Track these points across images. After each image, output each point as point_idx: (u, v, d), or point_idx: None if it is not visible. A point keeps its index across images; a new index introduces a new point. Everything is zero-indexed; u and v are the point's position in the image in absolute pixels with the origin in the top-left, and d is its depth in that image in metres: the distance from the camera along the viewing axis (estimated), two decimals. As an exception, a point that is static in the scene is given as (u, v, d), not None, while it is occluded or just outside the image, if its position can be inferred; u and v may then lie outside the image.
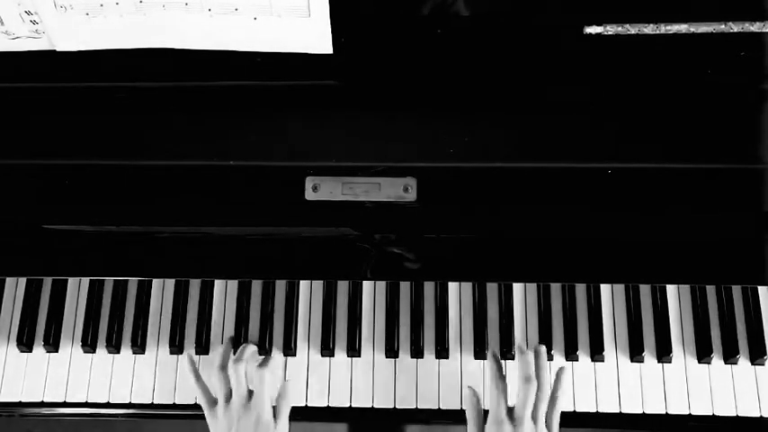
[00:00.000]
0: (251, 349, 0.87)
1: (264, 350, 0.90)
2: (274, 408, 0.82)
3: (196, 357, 0.90)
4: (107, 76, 0.75)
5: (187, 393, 0.90)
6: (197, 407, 0.88)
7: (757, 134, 0.73)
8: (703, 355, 0.87)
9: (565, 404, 0.84)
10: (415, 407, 0.88)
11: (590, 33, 0.70)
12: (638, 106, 0.75)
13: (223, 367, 0.84)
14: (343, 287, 0.92)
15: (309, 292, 0.92)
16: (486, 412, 0.81)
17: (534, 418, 0.78)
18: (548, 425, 0.79)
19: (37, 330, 0.92)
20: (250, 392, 0.82)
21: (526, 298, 0.91)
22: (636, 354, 0.87)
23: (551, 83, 0.75)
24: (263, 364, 0.83)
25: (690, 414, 0.86)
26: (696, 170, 0.74)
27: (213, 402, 0.84)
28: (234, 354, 0.86)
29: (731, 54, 0.72)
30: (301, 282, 0.92)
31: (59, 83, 0.76)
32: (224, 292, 0.93)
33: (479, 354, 0.89)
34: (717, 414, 0.86)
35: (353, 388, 0.89)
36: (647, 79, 0.74)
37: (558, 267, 0.80)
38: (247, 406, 0.80)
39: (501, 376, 0.81)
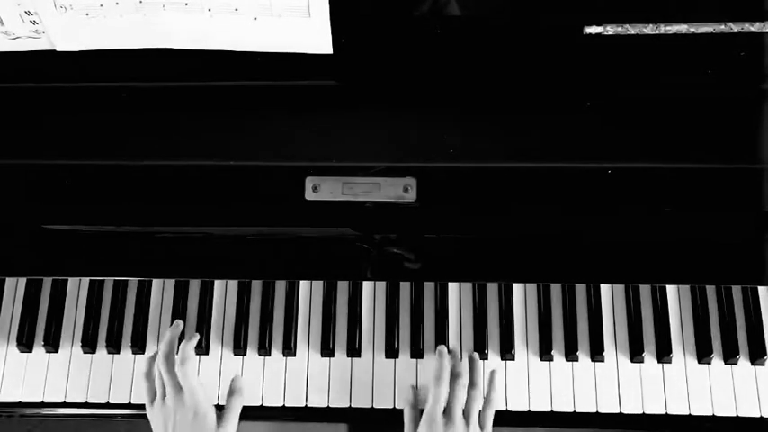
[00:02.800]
0: (192, 344, 0.85)
1: (264, 350, 0.90)
2: (222, 406, 0.83)
3: (196, 357, 0.90)
4: (107, 76, 0.75)
5: (187, 393, 0.90)
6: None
7: (757, 134, 0.73)
8: (703, 355, 0.87)
9: (498, 404, 0.86)
10: (415, 407, 0.88)
11: (590, 33, 0.70)
12: (638, 106, 0.75)
13: (164, 362, 0.82)
14: (343, 287, 0.92)
15: (309, 292, 0.92)
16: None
17: (467, 416, 0.80)
18: (481, 424, 0.81)
19: (37, 330, 0.92)
20: (182, 391, 0.80)
21: (526, 298, 0.91)
22: (636, 354, 0.87)
23: (551, 83, 0.75)
24: (184, 359, 0.81)
25: (690, 414, 0.86)
26: (696, 170, 0.74)
27: (154, 397, 0.83)
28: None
29: (731, 54, 0.72)
30: (301, 282, 0.92)
31: (59, 83, 0.76)
32: (224, 292, 0.93)
33: (480, 354, 0.89)
34: (717, 414, 0.86)
35: (353, 388, 0.89)
36: (647, 79, 0.74)
37: (558, 267, 0.80)
38: (181, 400, 0.79)
39: (443, 375, 0.81)
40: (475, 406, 0.81)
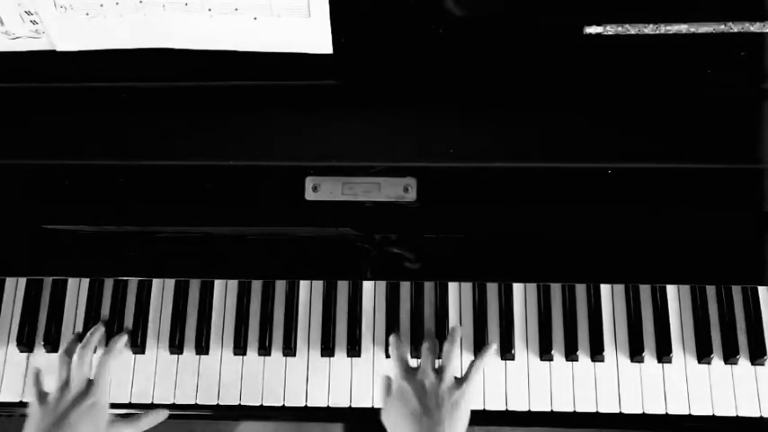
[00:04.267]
0: (99, 333, 0.86)
1: (264, 350, 0.90)
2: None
3: (196, 357, 0.90)
4: (107, 76, 0.75)
5: (186, 394, 0.90)
6: (197, 407, 0.88)
7: (757, 134, 0.73)
8: (703, 355, 0.87)
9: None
10: (415, 407, 0.88)
11: (590, 33, 0.70)
12: (638, 106, 0.75)
13: (68, 353, 0.82)
14: (343, 287, 0.92)
15: (309, 292, 0.92)
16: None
17: (440, 368, 0.79)
18: (460, 378, 0.80)
19: (37, 330, 0.92)
20: (89, 381, 0.80)
21: (526, 298, 0.91)
22: (636, 354, 0.87)
23: (551, 83, 0.75)
24: (108, 351, 0.81)
25: (690, 414, 0.86)
26: (696, 170, 0.74)
27: (43, 396, 0.80)
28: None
29: (731, 54, 0.72)
30: (301, 282, 0.92)
31: (59, 83, 0.76)
32: (224, 292, 0.93)
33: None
34: (717, 414, 0.86)
35: (353, 388, 0.89)
36: (647, 79, 0.74)
37: (558, 267, 0.80)
38: (84, 393, 0.78)
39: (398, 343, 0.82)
40: (448, 357, 0.80)
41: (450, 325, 0.88)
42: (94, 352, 0.85)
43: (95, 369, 0.81)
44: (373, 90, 0.76)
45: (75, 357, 0.81)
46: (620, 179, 0.75)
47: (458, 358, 0.84)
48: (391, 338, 0.85)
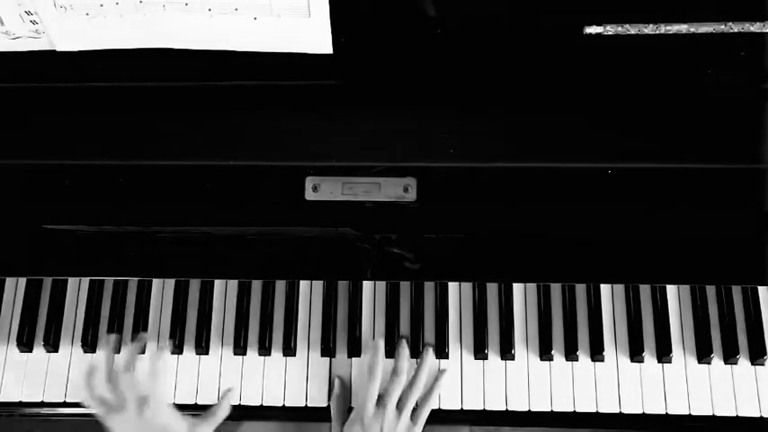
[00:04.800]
0: (138, 347, 0.86)
1: (264, 350, 0.90)
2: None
3: (196, 357, 0.90)
4: (107, 76, 0.75)
5: (187, 393, 0.90)
6: (197, 407, 0.88)
7: (757, 134, 0.73)
8: (703, 355, 0.87)
9: (434, 405, 0.87)
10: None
11: (590, 33, 0.70)
12: (638, 106, 0.75)
13: (110, 378, 0.81)
14: (343, 287, 0.92)
15: (309, 292, 0.92)
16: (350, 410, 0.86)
17: (399, 408, 0.82)
18: (414, 418, 0.83)
19: (37, 330, 0.92)
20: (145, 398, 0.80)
21: (526, 298, 0.91)
22: (636, 354, 0.87)
23: (551, 83, 0.75)
24: (152, 374, 0.81)
25: (690, 414, 0.86)
26: (696, 170, 0.74)
27: (111, 410, 0.80)
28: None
29: (731, 54, 0.72)
30: (301, 282, 0.92)
31: (59, 83, 0.76)
32: (224, 292, 0.93)
33: (479, 354, 0.89)
34: (717, 414, 0.86)
35: (353, 388, 0.89)
36: (647, 79, 0.74)
37: (558, 267, 0.80)
38: (144, 413, 0.78)
39: (376, 370, 0.83)
40: (409, 399, 0.83)
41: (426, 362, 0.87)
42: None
43: (146, 388, 0.80)
44: (373, 90, 0.76)
45: (122, 382, 0.80)
46: (620, 179, 0.75)
47: (415, 398, 0.84)
48: (378, 353, 0.85)
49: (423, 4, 0.71)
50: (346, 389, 0.88)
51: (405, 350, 0.86)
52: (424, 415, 0.84)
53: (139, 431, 0.78)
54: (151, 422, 0.79)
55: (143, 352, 0.90)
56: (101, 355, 0.86)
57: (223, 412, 0.85)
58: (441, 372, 0.88)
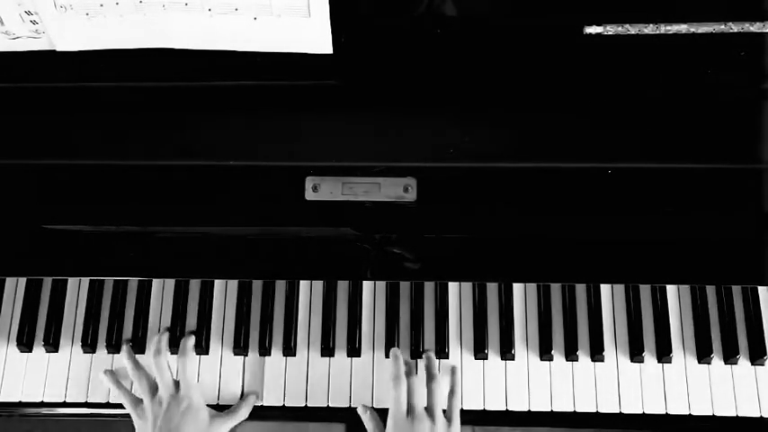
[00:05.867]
0: (167, 337, 0.88)
1: (264, 350, 0.90)
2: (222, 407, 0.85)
3: (196, 357, 0.90)
4: (107, 76, 0.75)
5: (187, 393, 0.90)
6: (197, 407, 0.88)
7: (757, 134, 0.73)
8: (703, 355, 0.87)
9: (460, 400, 0.87)
10: (415, 407, 0.88)
11: (590, 33, 0.70)
12: (638, 106, 0.75)
13: (137, 366, 0.86)
14: (343, 287, 0.92)
15: (309, 292, 0.92)
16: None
17: (430, 410, 0.82)
18: (448, 416, 0.83)
19: (37, 330, 0.92)
20: (176, 383, 0.84)
21: (526, 298, 0.91)
22: (636, 354, 0.87)
23: (551, 83, 0.75)
24: (183, 353, 0.85)
25: (690, 414, 0.86)
26: (696, 170, 0.74)
27: (138, 402, 0.85)
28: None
29: (731, 54, 0.72)
30: (301, 282, 0.92)
31: (59, 83, 0.76)
32: (224, 292, 0.93)
33: (480, 354, 0.89)
34: (717, 414, 0.86)
35: (353, 388, 0.89)
36: (647, 79, 0.74)
37: (558, 267, 0.80)
38: (176, 396, 0.82)
39: (401, 375, 0.83)
40: (437, 400, 0.83)
41: (449, 363, 0.89)
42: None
43: (178, 372, 0.84)
44: (373, 90, 0.76)
45: (153, 366, 0.85)
46: (620, 179, 0.75)
47: (442, 396, 0.84)
48: (394, 372, 0.84)
49: (422, 4, 0.71)
50: (375, 414, 0.86)
51: (400, 358, 0.85)
52: (456, 413, 0.84)
53: (170, 413, 0.81)
54: (181, 403, 0.81)
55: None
56: (123, 353, 0.89)
57: (245, 411, 0.86)
58: (453, 368, 0.88)
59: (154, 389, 0.85)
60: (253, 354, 0.90)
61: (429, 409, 0.82)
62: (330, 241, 0.79)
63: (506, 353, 0.88)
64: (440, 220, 0.77)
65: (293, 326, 0.90)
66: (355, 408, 0.87)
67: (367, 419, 0.85)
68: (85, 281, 0.94)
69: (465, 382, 0.88)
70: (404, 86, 0.76)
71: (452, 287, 0.91)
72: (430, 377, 0.85)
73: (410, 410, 0.81)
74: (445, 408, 0.84)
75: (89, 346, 0.91)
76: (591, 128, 0.75)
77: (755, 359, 0.87)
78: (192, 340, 0.89)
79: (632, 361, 0.88)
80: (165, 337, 0.88)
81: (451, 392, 0.86)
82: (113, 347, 0.90)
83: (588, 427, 0.88)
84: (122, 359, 0.89)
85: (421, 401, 0.82)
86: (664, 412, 0.86)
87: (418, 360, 0.89)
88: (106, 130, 0.77)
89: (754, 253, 0.76)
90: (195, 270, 0.84)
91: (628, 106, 0.75)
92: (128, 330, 0.92)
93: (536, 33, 0.73)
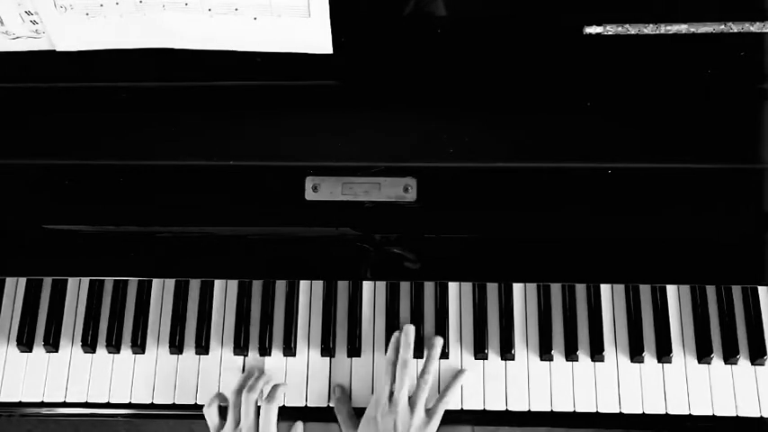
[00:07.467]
0: (264, 380, 0.87)
1: (264, 350, 0.90)
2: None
3: (196, 357, 0.90)
4: (107, 76, 0.75)
5: (186, 393, 0.90)
6: (196, 407, 0.88)
7: (757, 134, 0.73)
8: (703, 355, 0.87)
9: (453, 403, 0.87)
10: (415, 407, 0.88)
11: (590, 33, 0.70)
12: (638, 106, 0.75)
13: (239, 393, 0.84)
14: (343, 287, 0.92)
15: (309, 292, 0.92)
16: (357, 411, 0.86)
17: (412, 402, 0.82)
18: (429, 413, 0.83)
19: (37, 330, 0.92)
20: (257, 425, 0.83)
21: (526, 298, 0.91)
22: (636, 354, 0.87)
23: (551, 83, 0.75)
24: (271, 398, 0.83)
25: (690, 414, 0.86)
26: (696, 170, 0.74)
27: (221, 427, 0.84)
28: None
29: (731, 54, 0.72)
30: (301, 282, 0.92)
31: (59, 83, 0.76)
32: (224, 292, 0.93)
33: (480, 354, 0.89)
34: (717, 414, 0.86)
35: (353, 388, 0.89)
36: (647, 79, 0.74)
37: (558, 267, 0.80)
38: None
39: (395, 363, 0.84)
40: (421, 394, 0.83)
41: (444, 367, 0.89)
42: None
43: (261, 417, 0.82)
44: (373, 90, 0.76)
45: (242, 403, 0.83)
46: (621, 179, 0.75)
47: (427, 392, 0.84)
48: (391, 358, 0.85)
49: (422, 3, 0.72)
50: (346, 392, 0.88)
51: (410, 336, 0.85)
52: (440, 410, 0.84)
53: None
54: None
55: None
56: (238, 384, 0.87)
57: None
58: (461, 371, 0.88)
59: (237, 422, 0.83)
60: (253, 354, 0.90)
61: (411, 401, 0.83)
62: (330, 241, 0.79)
63: (506, 353, 0.88)
64: (440, 220, 0.77)
65: (293, 326, 0.90)
66: (355, 408, 0.87)
67: (338, 403, 0.87)
68: (85, 281, 0.94)
69: (465, 381, 0.88)
70: (404, 86, 0.76)
71: (452, 287, 0.91)
72: (425, 374, 0.85)
73: (391, 397, 0.82)
74: (430, 407, 0.84)
75: (89, 346, 0.91)
76: (591, 128, 0.75)
77: (755, 359, 0.87)
78: (283, 389, 0.87)
79: (632, 361, 0.88)
80: (263, 382, 0.86)
81: (445, 390, 0.86)
82: (113, 347, 0.90)
83: (588, 427, 0.88)
84: (234, 380, 0.88)
85: (403, 390, 0.82)
86: (664, 412, 0.86)
87: (418, 360, 0.89)
88: (106, 130, 0.77)
89: (754, 253, 0.76)
90: (195, 270, 0.84)
91: (628, 106, 0.75)
92: (128, 330, 0.92)
93: (536, 33, 0.73)
